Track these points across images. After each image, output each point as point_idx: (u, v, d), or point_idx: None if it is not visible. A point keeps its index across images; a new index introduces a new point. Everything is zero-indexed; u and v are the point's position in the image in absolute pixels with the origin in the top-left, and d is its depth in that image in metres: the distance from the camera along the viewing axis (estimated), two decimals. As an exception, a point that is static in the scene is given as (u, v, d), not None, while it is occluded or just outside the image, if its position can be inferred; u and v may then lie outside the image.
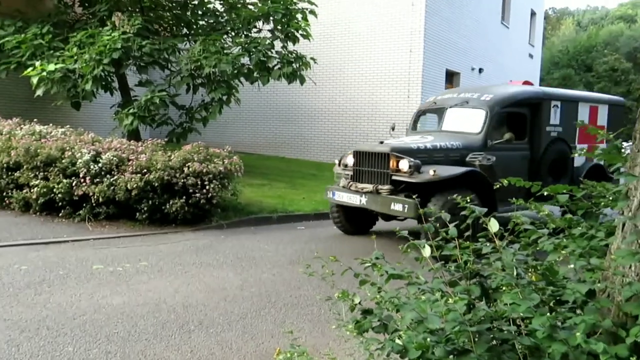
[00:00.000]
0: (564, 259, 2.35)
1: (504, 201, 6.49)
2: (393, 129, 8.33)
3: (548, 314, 1.78)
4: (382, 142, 6.76)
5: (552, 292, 2.11)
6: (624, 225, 1.98)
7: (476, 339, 1.77)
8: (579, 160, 8.05)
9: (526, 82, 8.47)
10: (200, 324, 3.97)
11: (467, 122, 7.18)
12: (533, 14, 25.03)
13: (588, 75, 38.18)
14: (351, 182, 6.81)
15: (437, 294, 1.91)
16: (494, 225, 2.21)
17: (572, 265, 2.08)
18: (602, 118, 8.53)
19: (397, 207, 6.04)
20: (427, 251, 2.19)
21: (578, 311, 2.00)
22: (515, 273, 2.03)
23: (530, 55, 25.23)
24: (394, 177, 6.29)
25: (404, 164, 6.19)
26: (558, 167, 7.64)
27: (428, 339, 1.70)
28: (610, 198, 2.79)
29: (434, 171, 5.96)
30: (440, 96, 8.25)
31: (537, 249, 2.55)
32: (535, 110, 7.54)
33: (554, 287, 2.10)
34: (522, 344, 1.78)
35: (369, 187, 6.48)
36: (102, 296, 4.49)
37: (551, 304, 2.04)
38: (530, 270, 2.35)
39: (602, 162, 7.66)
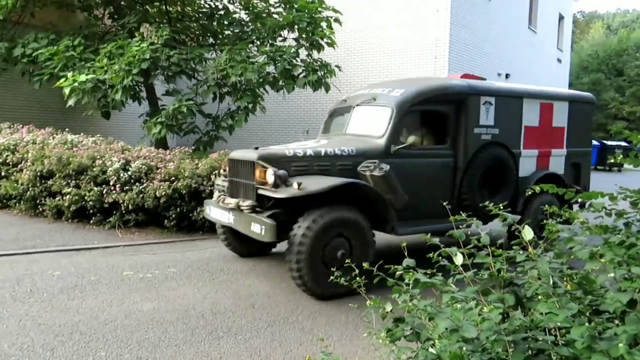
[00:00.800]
0: (599, 268, 2.29)
1: (411, 220, 5.49)
2: (307, 132, 7.19)
3: (587, 323, 1.73)
4: (256, 148, 5.41)
5: (590, 302, 2.06)
6: (665, 232, 1.92)
7: (512, 349, 1.73)
8: (526, 169, 6.56)
9: (467, 75, 6.72)
10: (229, 331, 3.99)
11: (371, 123, 5.80)
12: (561, 18, 24.63)
13: (619, 80, 37.30)
14: (222, 196, 5.63)
15: (471, 302, 1.88)
16: (528, 233, 2.17)
17: (612, 274, 2.02)
18: (560, 117, 6.95)
19: (255, 228, 4.89)
20: (459, 259, 2.16)
21: (617, 321, 1.94)
22: (551, 282, 1.99)
23: (559, 60, 24.80)
24: (259, 191, 5.05)
25: (269, 175, 4.94)
26: (495, 178, 6.18)
27: (463, 348, 1.68)
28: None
29: (299, 184, 4.68)
30: (354, 93, 6.85)
31: (572, 257, 2.49)
32: (459, 108, 5.97)
33: (591, 297, 2.05)
34: (559, 354, 1.74)
35: (233, 202, 5.27)
36: (133, 302, 4.56)
37: (588, 314, 1.99)
38: (565, 279, 2.30)
39: (560, 172, 6.88)
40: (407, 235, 5.15)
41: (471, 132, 6.00)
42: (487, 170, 6.08)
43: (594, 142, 23.17)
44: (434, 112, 5.97)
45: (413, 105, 5.70)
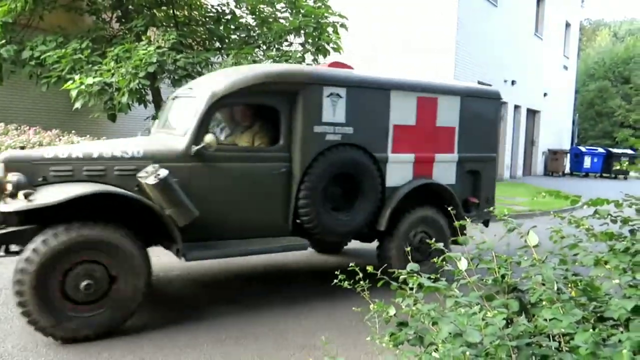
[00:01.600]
0: (603, 275, 2.28)
1: (217, 240, 4.42)
2: (149, 130, 5.81)
3: (591, 330, 1.73)
4: (22, 147, 4.61)
5: (595, 308, 2.05)
6: (670, 239, 1.91)
7: (516, 354, 1.73)
8: (397, 177, 5.23)
9: (336, 64, 5.64)
10: (232, 335, 3.99)
11: (182, 119, 4.74)
12: (568, 25, 24.62)
13: (625, 87, 37.18)
14: None
15: (475, 307, 1.88)
16: (533, 239, 2.16)
17: (616, 281, 2.02)
18: (448, 115, 5.61)
19: None
20: (463, 264, 2.16)
21: (621, 328, 1.93)
22: (555, 288, 1.99)
23: (565, 67, 24.77)
24: None
25: (9, 183, 3.90)
26: (348, 189, 4.95)
27: (467, 353, 1.68)
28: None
29: (28, 194, 3.66)
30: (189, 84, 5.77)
31: (576, 263, 2.49)
32: (294, 101, 4.70)
33: (596, 303, 2.04)
34: (563, 361, 1.73)
35: None
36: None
37: (593, 321, 1.99)
38: (570, 285, 2.29)
39: (449, 182, 5.60)
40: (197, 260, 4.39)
41: (310, 131, 4.69)
42: (336, 178, 4.82)
43: (600, 150, 23.08)
44: (261, 107, 4.81)
45: (226, 98, 4.50)
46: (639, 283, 2.03)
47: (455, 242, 4.61)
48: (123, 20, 12.23)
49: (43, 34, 11.30)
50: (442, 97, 5.57)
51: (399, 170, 5.25)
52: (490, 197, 6.16)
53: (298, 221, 4.73)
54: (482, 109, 5.95)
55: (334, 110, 4.82)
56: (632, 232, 2.68)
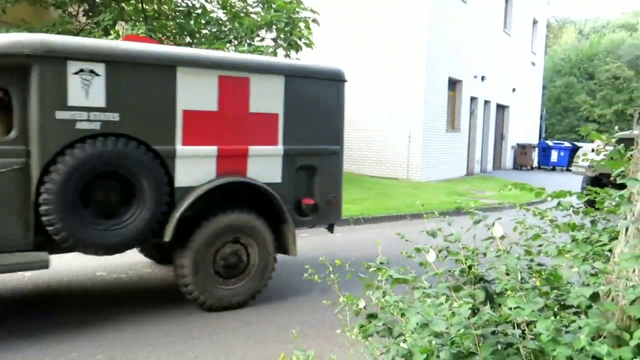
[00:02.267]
0: (565, 264, 2.37)
1: None
2: None
3: (552, 317, 1.79)
4: None
5: (556, 296, 2.12)
6: (627, 229, 1.99)
7: (481, 343, 1.78)
8: (192, 176, 4.25)
9: (132, 37, 4.83)
10: (204, 331, 3.97)
11: None
12: (535, 22, 25.13)
13: (590, 83, 38.23)
14: None
15: (441, 298, 1.92)
16: (498, 230, 2.22)
17: (576, 269, 2.09)
18: (267, 100, 4.63)
19: None
20: (431, 256, 2.20)
21: (582, 315, 2.01)
22: (519, 277, 2.05)
23: (533, 63, 25.30)
24: None
25: None
26: (117, 190, 4.01)
27: (433, 342, 1.72)
28: (613, 204, 2.80)
29: None
30: None
31: (540, 254, 2.56)
32: (27, 80, 3.71)
33: (557, 291, 2.11)
34: (526, 348, 1.79)
35: None
36: (106, 304, 4.50)
37: (555, 308, 2.06)
38: (534, 274, 2.37)
39: (273, 180, 4.61)
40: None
41: (50, 118, 3.73)
42: (101, 178, 3.90)
43: (567, 144, 23.67)
44: None
45: None
46: (599, 271, 2.11)
47: (285, 253, 4.06)
48: (90, 14, 11.95)
49: (6, 27, 10.95)
50: (256, 77, 4.54)
51: (194, 167, 4.25)
52: (333, 197, 5.11)
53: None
54: (318, 92, 4.99)
55: (87, 91, 3.83)
56: (593, 222, 2.77)
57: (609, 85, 37.06)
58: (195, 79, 4.24)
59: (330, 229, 5.41)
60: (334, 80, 5.15)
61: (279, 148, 4.72)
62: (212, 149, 4.34)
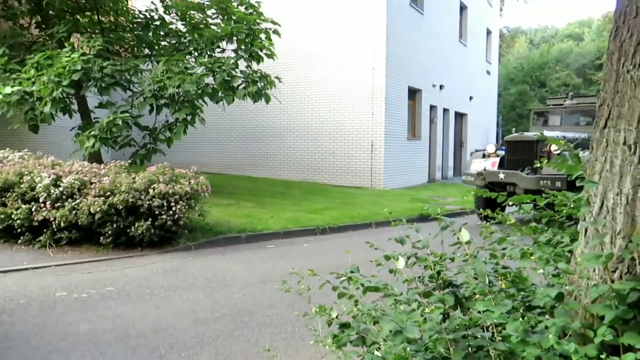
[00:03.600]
0: (529, 266, 2.43)
1: None
2: None
3: (520, 319, 1.83)
4: None
5: (523, 298, 2.18)
6: (586, 230, 2.06)
7: (453, 347, 1.80)
8: None
9: None
10: (172, 348, 3.88)
11: None
12: (489, 32, 25.97)
13: (542, 91, 39.71)
14: None
15: (413, 304, 1.94)
16: (465, 235, 2.26)
17: (541, 271, 2.15)
18: None
19: None
20: (401, 263, 2.22)
21: (547, 315, 2.06)
22: (487, 281, 2.09)
23: (488, 72, 26.09)
24: None
25: None
26: None
27: (407, 349, 1.73)
28: (572, 206, 2.90)
29: None
30: None
31: (505, 257, 2.63)
32: None
33: (524, 293, 2.16)
34: (496, 349, 1.83)
35: None
36: (67, 324, 4.33)
37: (522, 310, 2.11)
38: (500, 277, 2.42)
39: None
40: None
41: None
42: None
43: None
44: None
45: None
46: (562, 271, 2.18)
47: None
48: (43, 26, 11.60)
49: (-47, 40, 10.52)
50: None
51: None
52: None
53: None
54: None
55: None
56: (548, 222, 2.86)
57: (559, 93, 38.62)
58: None
59: None
60: None
61: None
62: None
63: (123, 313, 4.64)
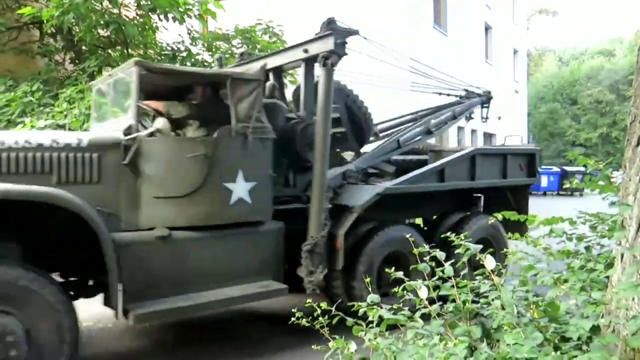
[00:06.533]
0: (562, 293, 2.28)
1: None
2: None
3: (553, 352, 1.70)
4: None
5: (555, 329, 2.03)
6: (622, 256, 1.92)
7: (480, 385, 1.68)
8: None
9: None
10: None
11: None
12: (515, 52, 25.74)
13: (574, 109, 38.92)
14: None
15: (435, 337, 1.82)
16: (490, 262, 2.14)
17: (573, 301, 2.01)
18: None
19: None
20: (423, 292, 2.12)
21: (584, 347, 1.91)
22: (515, 311, 1.96)
23: (516, 91, 25.77)
24: None
25: None
26: None
27: (428, 388, 1.61)
28: (607, 229, 2.74)
29: None
30: None
31: (537, 284, 2.48)
32: None
33: (556, 324, 2.02)
34: (528, 388, 1.69)
35: None
36: (93, 356, 4.31)
37: (555, 341, 1.96)
38: (531, 307, 2.27)
39: None
40: None
41: None
42: None
43: (556, 169, 23.84)
44: None
45: None
46: (596, 301, 2.03)
47: None
48: (77, 60, 12.03)
49: (-9, 78, 10.99)
50: None
51: None
52: None
53: None
54: None
55: None
56: (587, 248, 2.70)
57: (592, 110, 37.77)
58: None
59: None
60: None
61: None
62: None
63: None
